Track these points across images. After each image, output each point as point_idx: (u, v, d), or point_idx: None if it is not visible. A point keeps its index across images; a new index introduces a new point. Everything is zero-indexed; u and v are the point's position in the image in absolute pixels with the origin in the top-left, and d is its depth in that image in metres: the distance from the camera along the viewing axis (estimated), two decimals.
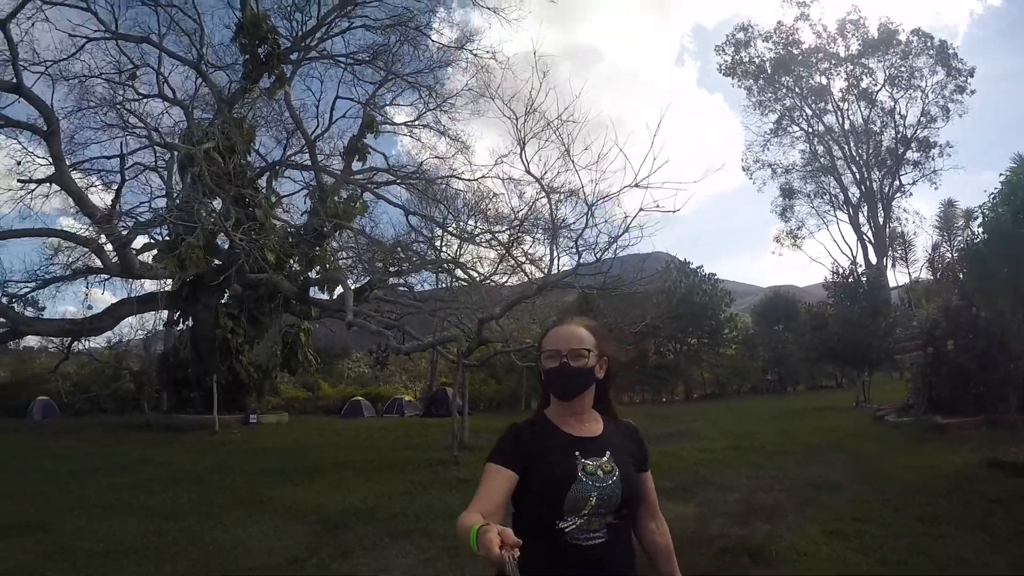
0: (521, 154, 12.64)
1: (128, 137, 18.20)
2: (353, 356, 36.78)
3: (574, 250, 14.68)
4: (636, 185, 10.64)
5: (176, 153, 17.66)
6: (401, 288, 19.66)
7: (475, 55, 19.46)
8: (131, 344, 23.05)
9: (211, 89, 17.56)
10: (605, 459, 1.81)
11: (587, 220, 12.38)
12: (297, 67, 18.56)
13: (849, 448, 9.58)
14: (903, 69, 31.21)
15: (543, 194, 14.18)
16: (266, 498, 8.40)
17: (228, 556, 5.81)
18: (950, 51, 30.75)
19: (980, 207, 8.44)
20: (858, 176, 31.11)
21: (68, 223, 19.40)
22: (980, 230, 8.44)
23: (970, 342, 10.57)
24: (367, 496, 8.56)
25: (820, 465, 8.34)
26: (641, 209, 11.06)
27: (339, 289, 17.72)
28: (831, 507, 6.24)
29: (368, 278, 19.08)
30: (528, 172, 13.26)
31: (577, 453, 1.79)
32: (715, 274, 29.30)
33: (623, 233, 11.93)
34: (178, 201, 16.51)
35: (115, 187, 16.78)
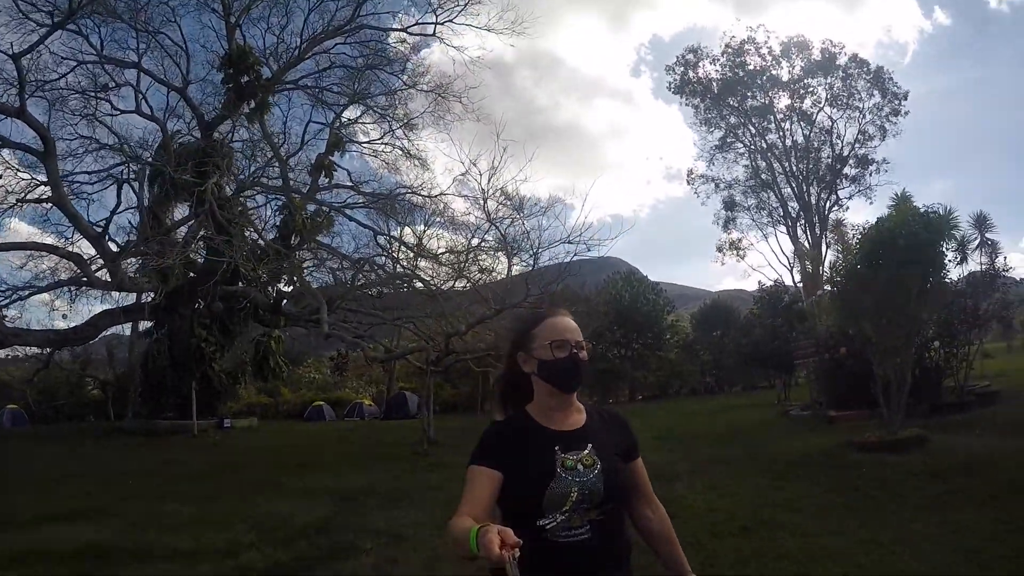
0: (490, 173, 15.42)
1: (103, 151, 19.52)
2: (307, 362, 38.71)
3: (528, 260, 17.56)
4: (568, 241, 13.64)
5: (146, 168, 19.48)
6: (371, 293, 21.53)
7: (443, 42, 21.19)
8: (94, 352, 24.67)
9: (194, 112, 19.46)
10: (586, 452, 1.83)
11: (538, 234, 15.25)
12: (271, 94, 20.58)
13: (751, 435, 12.45)
14: (843, 91, 34.69)
15: (499, 207, 17.00)
16: (281, 484, 10.81)
17: (273, 523, 8.02)
18: (886, 76, 34.50)
19: (842, 250, 11.27)
20: (797, 191, 34.48)
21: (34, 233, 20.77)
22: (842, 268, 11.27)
23: (857, 350, 13.58)
24: (363, 479, 11.10)
25: (722, 448, 11.21)
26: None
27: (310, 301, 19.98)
28: (717, 474, 9.01)
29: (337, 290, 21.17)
30: (483, 190, 16.13)
31: (556, 448, 1.82)
32: (659, 283, 32.47)
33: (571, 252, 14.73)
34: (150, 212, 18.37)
35: (87, 200, 18.79)
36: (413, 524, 7.71)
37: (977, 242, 15.72)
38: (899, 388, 8.83)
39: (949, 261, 12.14)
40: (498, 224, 17.72)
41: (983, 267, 15.18)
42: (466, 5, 19.69)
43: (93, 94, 19.06)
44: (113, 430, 19.35)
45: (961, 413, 11.57)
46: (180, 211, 22.49)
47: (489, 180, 16.88)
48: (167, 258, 16.02)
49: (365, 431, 22.09)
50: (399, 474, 11.72)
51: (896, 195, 12.31)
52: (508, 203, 18.07)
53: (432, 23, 20.30)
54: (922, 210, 10.17)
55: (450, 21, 20.11)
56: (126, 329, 23.30)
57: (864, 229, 11.90)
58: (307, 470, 12.30)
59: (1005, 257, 14.91)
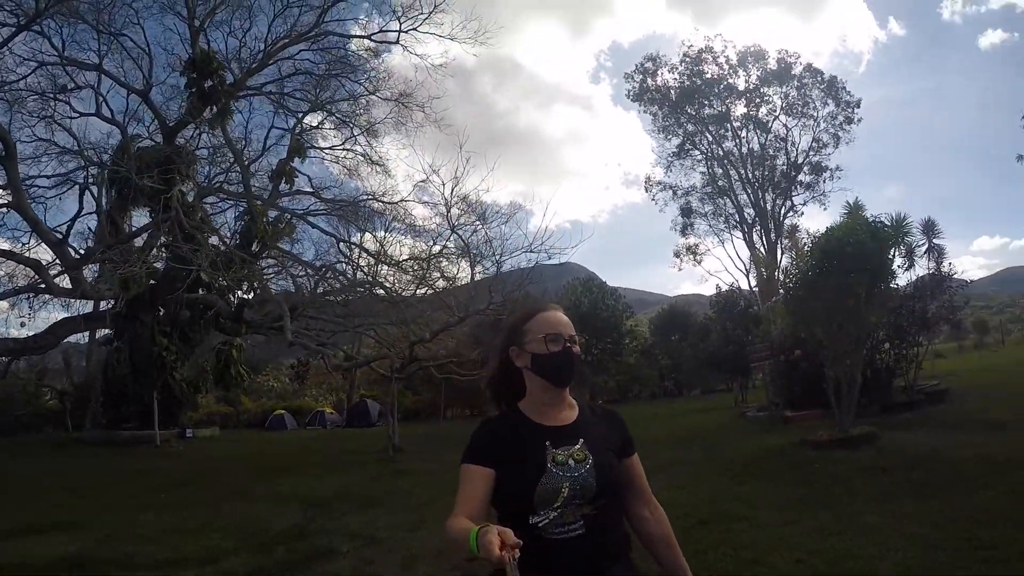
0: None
1: (63, 155, 19.33)
2: (265, 371, 38.39)
3: (491, 267, 17.91)
4: (531, 250, 14.08)
5: (105, 171, 19.24)
6: (336, 300, 21.47)
7: (406, 49, 21.43)
8: (50, 361, 24.16)
9: (156, 117, 19.31)
10: (577, 447, 1.83)
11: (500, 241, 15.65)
12: (234, 99, 20.53)
13: (709, 437, 12.92)
14: (798, 100, 35.88)
15: (462, 215, 17.33)
16: (252, 492, 10.89)
17: (249, 529, 8.11)
18: (839, 85, 35.84)
19: (795, 257, 11.88)
20: (753, 198, 35.52)
21: None
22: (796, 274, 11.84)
23: (809, 353, 14.20)
24: (334, 485, 11.28)
25: (681, 449, 11.66)
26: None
27: (272, 308, 19.96)
28: (677, 474, 9.41)
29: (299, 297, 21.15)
30: (446, 198, 16.44)
31: (547, 443, 1.82)
32: (617, 288, 33.16)
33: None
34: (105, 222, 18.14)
35: (44, 204, 18.49)
36: (387, 527, 7.94)
37: (925, 247, 16.53)
38: (850, 388, 9.36)
39: (898, 267, 12.89)
40: (461, 232, 18.04)
41: (930, 272, 15.99)
42: (430, 14, 19.98)
43: (52, 96, 18.86)
44: (72, 441, 18.98)
45: (911, 411, 12.14)
46: (139, 217, 22.33)
47: (452, 190, 17.15)
48: (130, 265, 15.92)
49: (329, 439, 22.10)
50: (368, 480, 11.90)
51: (849, 203, 12.98)
52: (471, 211, 18.44)
53: (396, 31, 20.56)
54: (871, 219, 10.78)
55: (414, 29, 20.39)
56: (83, 337, 22.93)
57: (816, 236, 12.53)
58: (276, 478, 12.37)
59: (951, 263, 15.58)
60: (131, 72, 19.52)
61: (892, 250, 10.59)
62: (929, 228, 16.55)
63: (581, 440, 1.85)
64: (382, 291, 19.45)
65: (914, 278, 15.08)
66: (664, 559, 1.96)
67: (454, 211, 17.49)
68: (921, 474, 7.34)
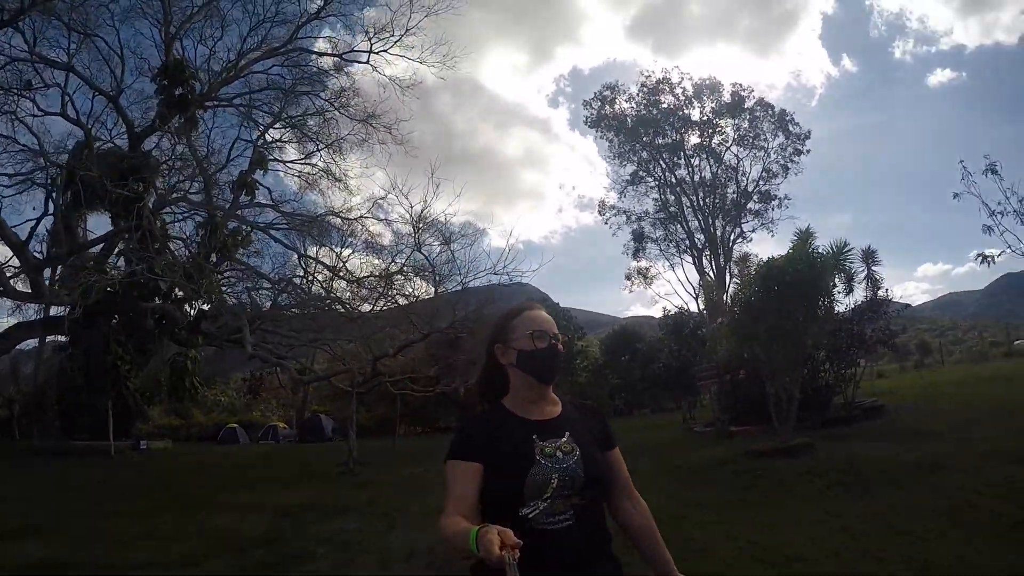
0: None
1: (21, 153, 18.99)
2: (213, 384, 37.90)
3: (452, 286, 18.42)
4: (495, 273, 14.64)
5: (62, 172, 18.97)
6: (301, 312, 21.49)
7: (376, 70, 21.73)
8: None
9: (124, 121, 19.25)
10: (564, 440, 1.86)
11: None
12: (203, 109, 20.65)
13: (659, 451, 13.61)
14: (749, 131, 37.39)
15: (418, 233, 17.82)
16: (219, 501, 11.09)
17: (222, 536, 8.39)
18: (789, 118, 37.47)
19: (739, 285, 12.82)
20: (703, 224, 36.84)
21: None
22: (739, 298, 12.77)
23: (752, 372, 15.12)
24: (299, 495, 11.55)
25: (632, 461, 12.31)
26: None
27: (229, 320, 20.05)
28: (632, 480, 10.10)
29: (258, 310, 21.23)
30: (413, 222, 16.94)
31: (534, 436, 1.85)
32: (569, 309, 33.86)
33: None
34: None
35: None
36: (358, 532, 8.37)
37: (864, 274, 17.62)
38: (788, 404, 10.20)
39: (838, 292, 13.96)
40: (426, 253, 18.51)
41: (868, 297, 17.10)
42: (401, 36, 20.57)
43: (17, 91, 18.52)
44: (24, 450, 18.65)
45: (848, 425, 13.18)
46: (96, 221, 22.13)
47: (421, 212, 17.66)
48: (89, 274, 15.88)
49: (284, 453, 22.16)
50: (332, 491, 12.22)
51: (800, 229, 14.05)
52: (437, 233, 18.92)
53: (367, 51, 21.05)
54: (811, 249, 11.75)
55: (384, 51, 20.93)
56: (31, 343, 22.48)
57: (759, 264, 13.53)
58: (240, 489, 12.59)
59: (888, 289, 16.73)
60: (99, 75, 19.34)
61: (831, 278, 11.58)
62: (869, 256, 17.72)
63: (567, 433, 1.89)
64: (340, 307, 19.73)
65: (854, 303, 16.27)
66: (648, 551, 1.99)
67: (417, 231, 17.93)
68: (851, 476, 8.19)
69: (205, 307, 21.18)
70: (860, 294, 16.34)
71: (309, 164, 23.49)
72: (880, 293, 17.14)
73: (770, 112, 37.49)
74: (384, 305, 20.12)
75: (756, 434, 13.04)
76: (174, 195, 21.54)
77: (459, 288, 18.58)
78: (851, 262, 14.44)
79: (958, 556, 5.00)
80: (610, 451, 2.03)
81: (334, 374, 18.69)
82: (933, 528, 5.77)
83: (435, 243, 18.77)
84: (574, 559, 1.77)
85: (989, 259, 18.12)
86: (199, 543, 7.93)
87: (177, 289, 20.30)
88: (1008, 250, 16.98)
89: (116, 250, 20.15)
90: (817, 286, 10.26)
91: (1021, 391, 15.17)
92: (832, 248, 13.26)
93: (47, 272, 19.06)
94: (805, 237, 13.47)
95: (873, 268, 17.22)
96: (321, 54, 21.76)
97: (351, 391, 17.52)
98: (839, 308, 15.31)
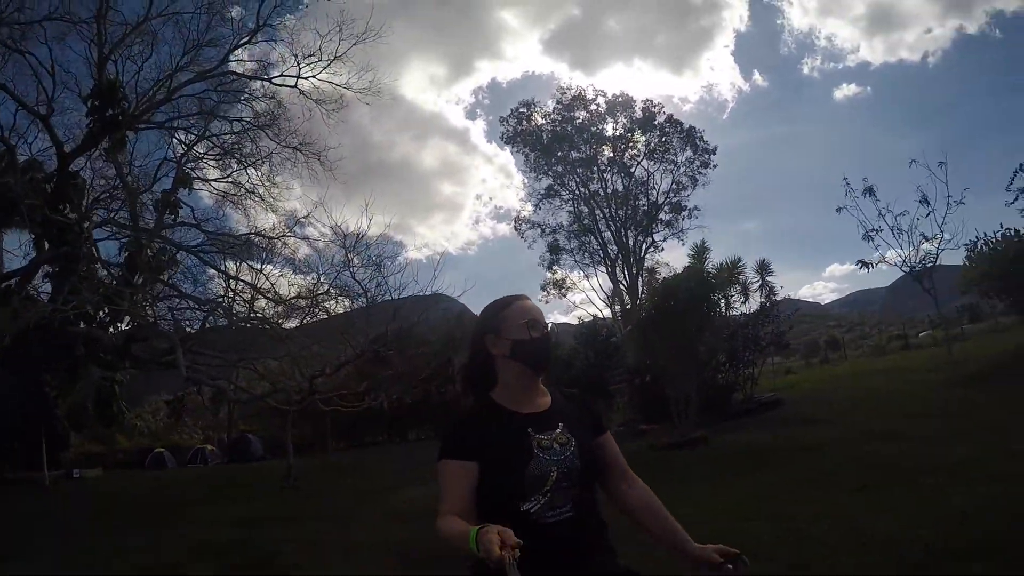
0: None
1: None
2: (135, 409, 37.25)
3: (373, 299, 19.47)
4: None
5: None
6: (224, 332, 21.85)
7: (303, 94, 22.22)
8: None
9: (54, 141, 19.26)
10: (559, 431, 1.88)
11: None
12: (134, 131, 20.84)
13: None
14: (659, 146, 39.55)
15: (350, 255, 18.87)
16: (178, 518, 11.78)
17: (195, 545, 9.14)
18: (696, 135, 39.74)
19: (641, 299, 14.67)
20: (616, 235, 38.91)
21: None
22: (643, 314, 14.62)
23: (657, 377, 16.97)
24: (250, 509, 12.43)
25: None
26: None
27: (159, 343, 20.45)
28: None
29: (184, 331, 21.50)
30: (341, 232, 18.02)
31: (529, 430, 1.86)
32: None
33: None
34: None
35: None
36: (316, 533, 9.53)
37: (759, 284, 19.78)
38: (686, 403, 12.00)
39: (735, 300, 16.11)
40: (353, 272, 19.59)
41: (762, 303, 19.25)
42: (330, 63, 21.52)
43: None
44: None
45: (747, 417, 15.08)
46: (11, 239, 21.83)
47: (357, 240, 18.69)
48: (22, 301, 16.01)
49: (220, 474, 22.58)
50: (281, 503, 13.20)
51: (695, 245, 16.12)
52: (364, 253, 19.99)
53: (295, 76, 21.85)
54: (705, 263, 13.72)
55: (313, 76, 21.83)
56: None
57: (656, 283, 15.43)
58: (192, 508, 13.21)
59: (777, 299, 18.89)
60: (26, 90, 19.13)
61: (721, 292, 13.57)
62: (763, 268, 19.97)
63: (561, 424, 1.90)
64: (267, 326, 20.28)
65: (750, 310, 18.41)
66: (657, 527, 1.97)
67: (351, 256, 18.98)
68: (738, 460, 9.99)
69: (131, 329, 21.35)
70: (756, 301, 18.59)
71: (233, 183, 23.75)
72: (776, 299, 19.48)
73: (679, 129, 39.88)
74: (309, 320, 21.01)
75: (662, 431, 14.82)
76: (100, 217, 21.67)
77: (378, 302, 19.72)
78: (743, 275, 16.64)
79: (814, 513, 6.58)
80: (601, 436, 2.04)
81: (271, 393, 19.38)
82: (798, 494, 7.48)
83: (358, 261, 19.80)
84: (576, 551, 1.80)
85: (868, 265, 21.07)
86: (177, 552, 8.80)
87: (101, 312, 20.52)
88: (883, 262, 19.85)
89: (40, 272, 20.13)
90: (707, 302, 12.08)
91: (902, 380, 17.26)
92: (727, 263, 15.40)
93: None
94: (700, 251, 15.56)
95: (767, 278, 19.52)
96: (251, 78, 22.33)
97: (288, 409, 18.32)
98: (738, 313, 17.58)
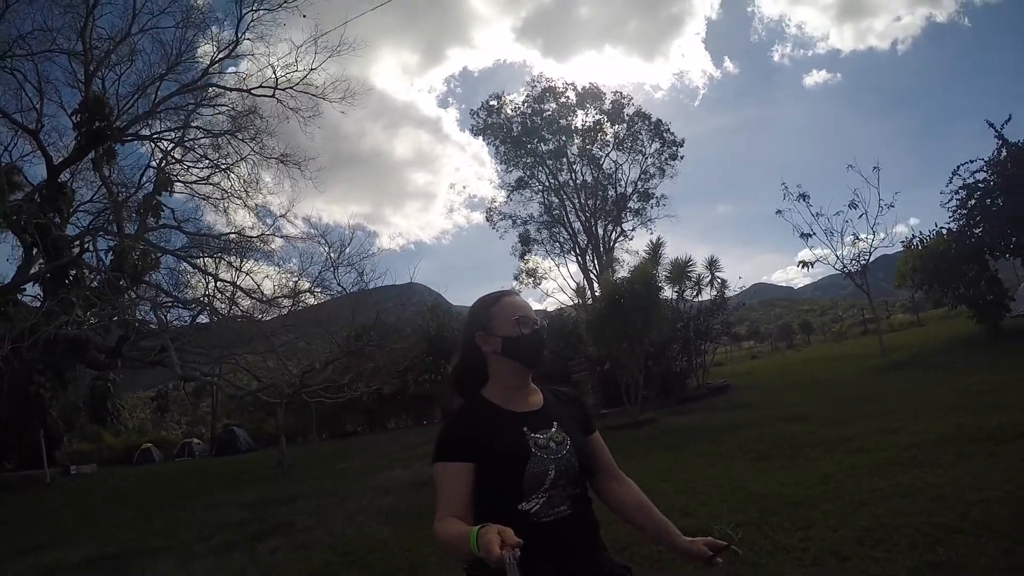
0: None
1: None
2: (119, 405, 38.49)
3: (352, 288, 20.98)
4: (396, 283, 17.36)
5: None
6: (214, 330, 23.07)
7: (280, 102, 23.78)
8: None
9: (44, 154, 20.50)
10: (554, 430, 1.90)
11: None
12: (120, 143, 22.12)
13: None
14: (628, 137, 40.92)
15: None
16: (184, 504, 13.36)
17: (208, 522, 10.76)
18: (664, 128, 41.21)
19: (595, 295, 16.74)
20: (586, 225, 40.62)
21: None
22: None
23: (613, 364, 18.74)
24: (249, 495, 13.78)
25: None
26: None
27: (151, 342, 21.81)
28: None
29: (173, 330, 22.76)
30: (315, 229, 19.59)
31: (525, 429, 1.87)
32: (463, 307, 36.68)
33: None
34: None
35: None
36: (319, 506, 11.05)
37: (709, 279, 21.67)
38: (636, 389, 13.94)
39: (686, 296, 18.08)
40: (333, 266, 21.16)
41: (713, 297, 21.15)
42: (307, 74, 23.04)
43: None
44: None
45: (697, 402, 16.92)
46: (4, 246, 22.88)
47: (342, 252, 20.30)
48: (16, 308, 17.22)
49: (210, 466, 23.99)
50: (279, 487, 14.65)
51: (650, 242, 18.09)
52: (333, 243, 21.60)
53: (272, 87, 23.33)
54: (658, 259, 15.70)
55: (290, 87, 23.33)
56: None
57: (610, 281, 17.20)
58: (196, 495, 14.73)
59: (725, 293, 20.72)
60: (13, 104, 20.40)
61: (674, 287, 15.53)
62: (712, 264, 21.90)
63: (555, 423, 1.94)
64: (248, 319, 21.84)
65: (701, 303, 20.33)
66: (647, 524, 2.01)
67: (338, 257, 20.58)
68: (676, 438, 11.80)
69: (123, 332, 22.63)
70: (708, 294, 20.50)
71: (213, 185, 25.29)
72: (726, 292, 21.38)
73: (647, 122, 41.16)
74: (289, 311, 22.57)
75: (619, 414, 16.69)
76: (86, 226, 22.88)
77: (355, 291, 21.39)
78: (694, 271, 18.68)
79: (713, 477, 8.40)
80: (591, 435, 2.08)
81: (264, 387, 20.87)
82: (706, 463, 9.33)
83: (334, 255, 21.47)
84: (575, 549, 1.84)
85: (808, 264, 23.28)
86: (200, 529, 10.31)
87: (89, 314, 21.71)
88: (819, 261, 22.09)
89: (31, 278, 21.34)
90: (653, 300, 13.98)
91: (843, 367, 19.27)
92: (679, 261, 17.41)
93: None
94: (656, 248, 17.55)
95: (716, 273, 21.43)
96: (231, 89, 23.75)
97: (278, 402, 19.86)
98: (689, 306, 19.55)
